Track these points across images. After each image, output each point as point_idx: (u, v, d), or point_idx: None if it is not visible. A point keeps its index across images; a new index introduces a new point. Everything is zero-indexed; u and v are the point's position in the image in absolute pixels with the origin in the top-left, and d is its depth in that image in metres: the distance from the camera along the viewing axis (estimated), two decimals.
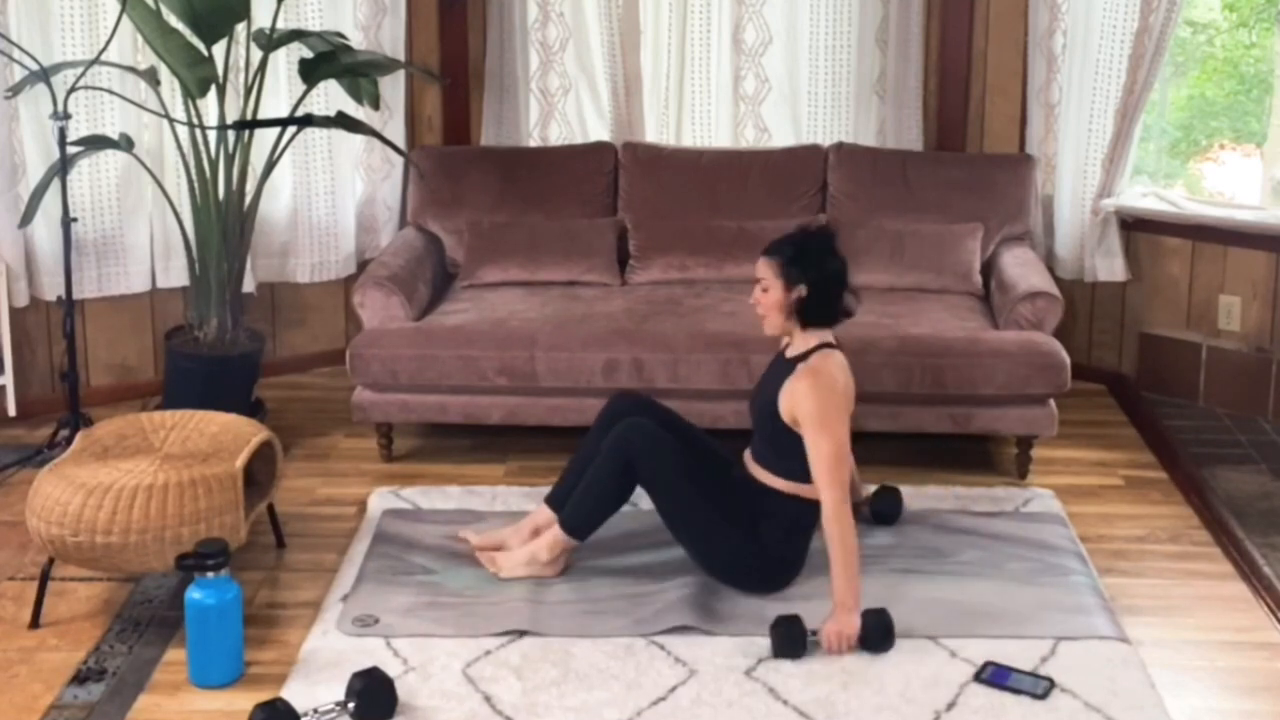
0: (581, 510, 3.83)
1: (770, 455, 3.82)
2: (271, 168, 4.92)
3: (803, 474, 3.72)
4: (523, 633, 3.60)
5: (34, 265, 5.02)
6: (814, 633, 3.51)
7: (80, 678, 3.44)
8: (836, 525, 3.55)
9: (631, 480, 3.77)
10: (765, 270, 3.77)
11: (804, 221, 3.94)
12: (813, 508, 3.74)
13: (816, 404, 3.63)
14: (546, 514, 3.95)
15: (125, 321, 5.30)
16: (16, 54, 4.70)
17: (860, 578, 3.58)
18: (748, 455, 3.91)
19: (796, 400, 3.67)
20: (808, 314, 3.75)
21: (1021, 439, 4.63)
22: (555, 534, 3.85)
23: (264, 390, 5.14)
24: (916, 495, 4.42)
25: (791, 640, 3.48)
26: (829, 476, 3.58)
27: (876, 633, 3.51)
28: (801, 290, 3.72)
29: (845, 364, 3.78)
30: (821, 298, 3.75)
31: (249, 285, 5.21)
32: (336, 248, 5.54)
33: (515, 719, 3.25)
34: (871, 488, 4.30)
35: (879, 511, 4.23)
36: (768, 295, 3.76)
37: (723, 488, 3.83)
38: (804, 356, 3.75)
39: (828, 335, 3.80)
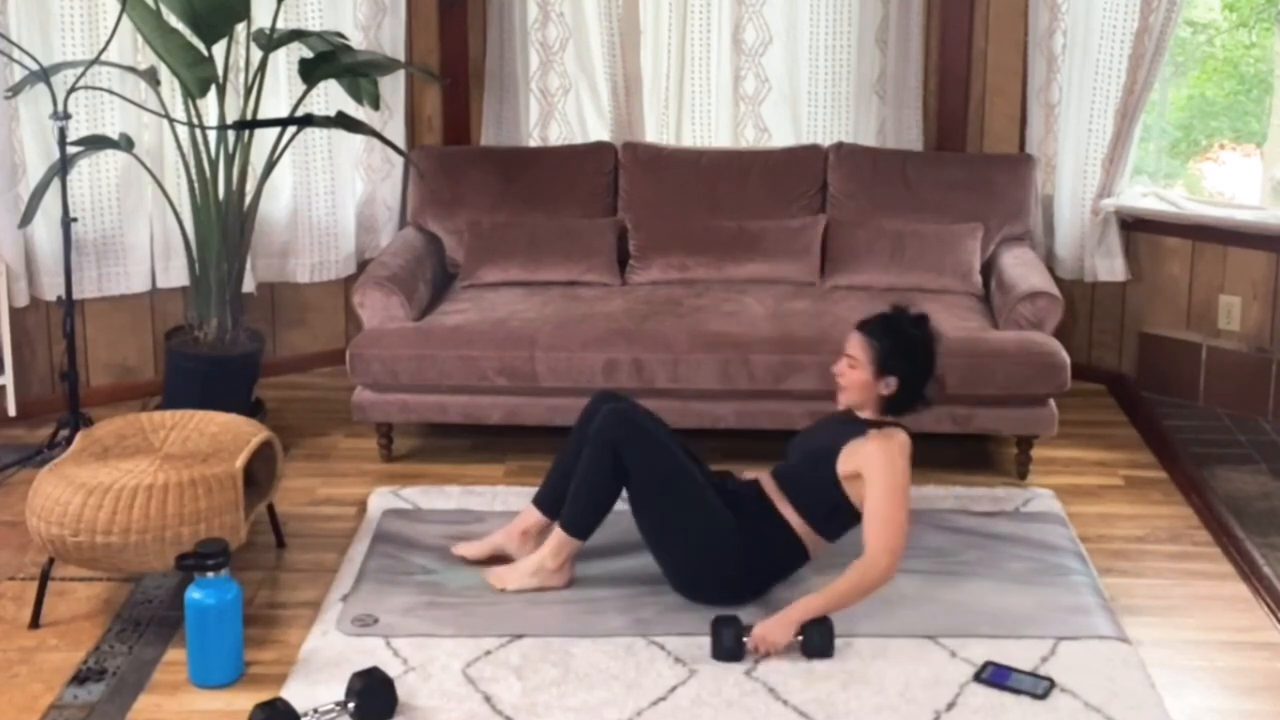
0: (579, 507, 3.73)
1: (795, 489, 3.71)
2: (271, 168, 4.92)
3: (819, 517, 3.67)
4: (522, 633, 3.60)
5: (34, 265, 5.02)
6: (747, 627, 3.46)
7: (80, 678, 3.44)
8: (870, 579, 3.49)
9: (622, 467, 3.64)
10: (858, 349, 3.68)
11: (900, 302, 3.81)
12: (802, 552, 3.70)
13: (891, 472, 3.55)
14: (535, 516, 3.90)
15: (125, 321, 5.30)
16: (16, 54, 4.70)
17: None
18: (766, 477, 3.79)
19: (869, 458, 3.58)
20: (893, 407, 3.69)
21: (1021, 439, 4.63)
22: (558, 537, 3.77)
23: (264, 390, 5.14)
24: (916, 495, 4.40)
25: (728, 644, 3.44)
26: (892, 544, 3.50)
27: (818, 636, 3.46)
28: (892, 383, 3.65)
29: (909, 449, 3.69)
30: (909, 393, 3.69)
31: (249, 285, 5.21)
32: (336, 248, 5.54)
33: (515, 719, 3.25)
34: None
35: None
36: (854, 373, 3.68)
37: (712, 486, 3.72)
38: (877, 424, 3.69)
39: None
